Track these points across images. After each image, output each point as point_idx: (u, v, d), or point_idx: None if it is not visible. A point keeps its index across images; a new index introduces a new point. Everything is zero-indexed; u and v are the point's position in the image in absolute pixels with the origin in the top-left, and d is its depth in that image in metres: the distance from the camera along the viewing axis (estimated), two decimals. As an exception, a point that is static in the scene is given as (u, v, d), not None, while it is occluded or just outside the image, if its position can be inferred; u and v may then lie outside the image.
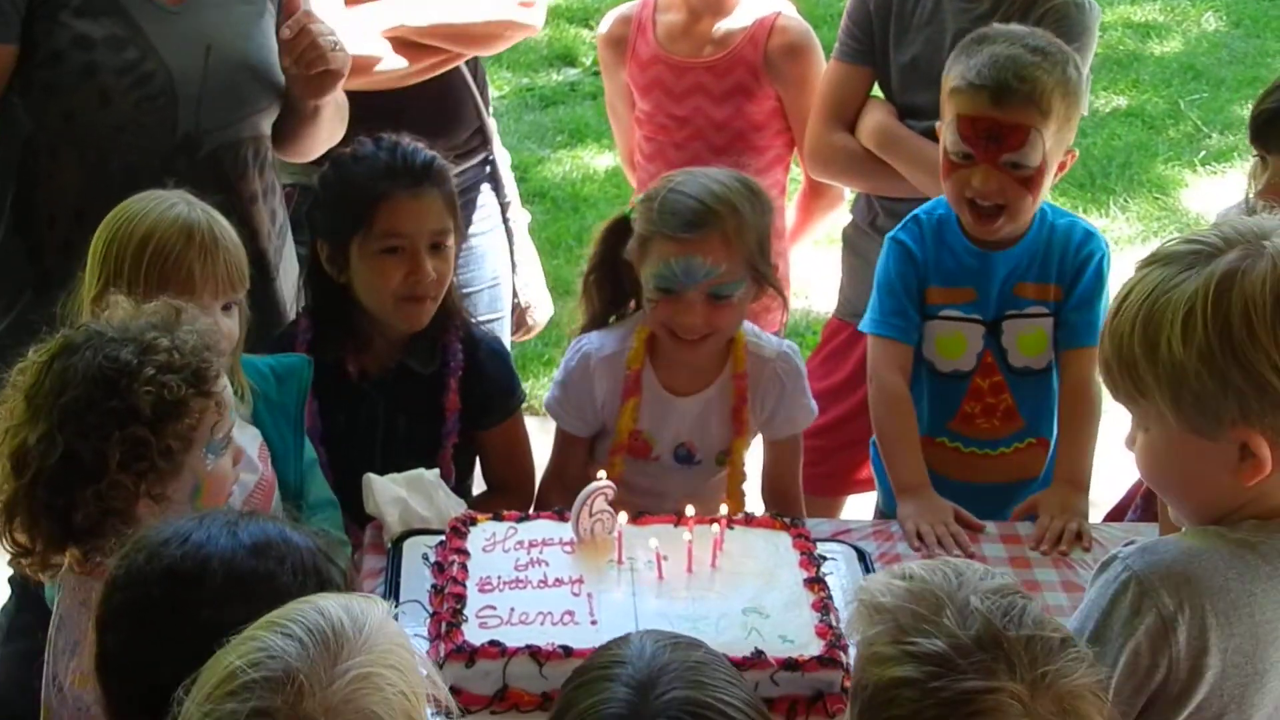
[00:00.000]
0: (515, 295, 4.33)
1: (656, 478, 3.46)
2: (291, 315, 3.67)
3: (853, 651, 2.18)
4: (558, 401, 3.49)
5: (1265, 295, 2.08)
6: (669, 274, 3.24)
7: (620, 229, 3.40)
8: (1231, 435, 2.13)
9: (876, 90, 4.07)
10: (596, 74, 8.54)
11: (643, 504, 3.18)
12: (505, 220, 4.33)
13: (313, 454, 3.28)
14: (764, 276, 3.33)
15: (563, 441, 3.54)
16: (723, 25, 4.16)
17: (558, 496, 3.38)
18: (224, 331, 2.93)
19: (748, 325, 3.45)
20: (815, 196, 4.41)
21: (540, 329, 4.58)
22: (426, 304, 3.35)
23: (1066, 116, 3.31)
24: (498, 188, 4.30)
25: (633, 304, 3.47)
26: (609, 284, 3.47)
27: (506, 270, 4.33)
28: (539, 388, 5.86)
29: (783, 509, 3.36)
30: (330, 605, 1.84)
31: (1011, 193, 3.32)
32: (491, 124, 4.29)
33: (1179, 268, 2.13)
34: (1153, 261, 2.19)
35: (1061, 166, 3.39)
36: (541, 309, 4.48)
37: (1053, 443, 3.54)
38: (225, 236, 3.02)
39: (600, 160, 7.91)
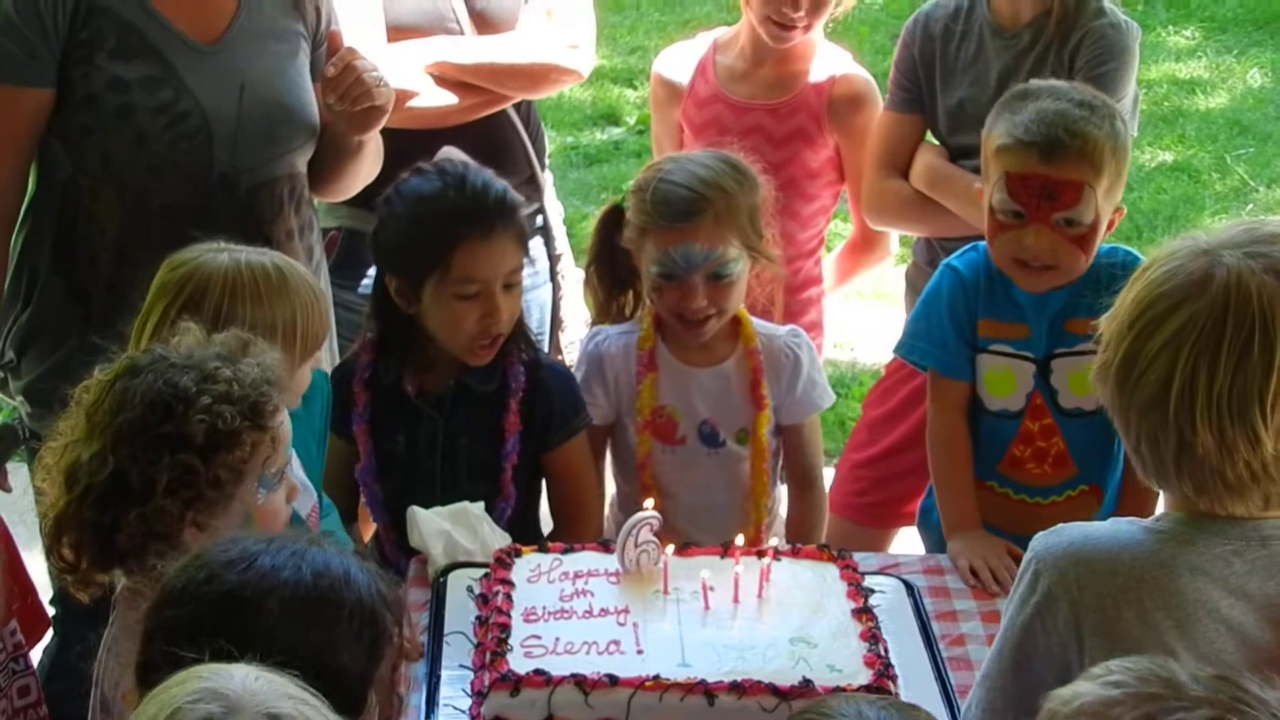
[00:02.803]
0: (560, 353, 4.31)
1: (684, 467, 3.50)
2: (324, 352, 3.67)
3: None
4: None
5: None
6: (669, 262, 3.36)
7: (614, 218, 3.52)
8: None
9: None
10: (640, 133, 8.60)
11: (675, 503, 3.38)
12: (555, 274, 4.32)
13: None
14: (757, 250, 3.44)
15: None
16: (787, 70, 4.17)
17: None
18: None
19: (754, 319, 3.55)
20: (865, 249, 4.40)
21: None
22: (499, 341, 3.36)
23: (1118, 172, 3.24)
24: (549, 241, 4.30)
25: (631, 294, 3.58)
26: (609, 272, 3.58)
27: (549, 326, 4.32)
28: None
29: (806, 490, 3.56)
30: None
31: (1064, 251, 3.25)
32: (546, 177, 4.29)
33: None
34: None
35: (1110, 225, 3.32)
36: None
37: (1106, 492, 3.48)
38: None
39: (644, 216, 7.91)
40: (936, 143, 4.06)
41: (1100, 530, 2.34)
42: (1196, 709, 1.82)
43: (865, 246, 4.39)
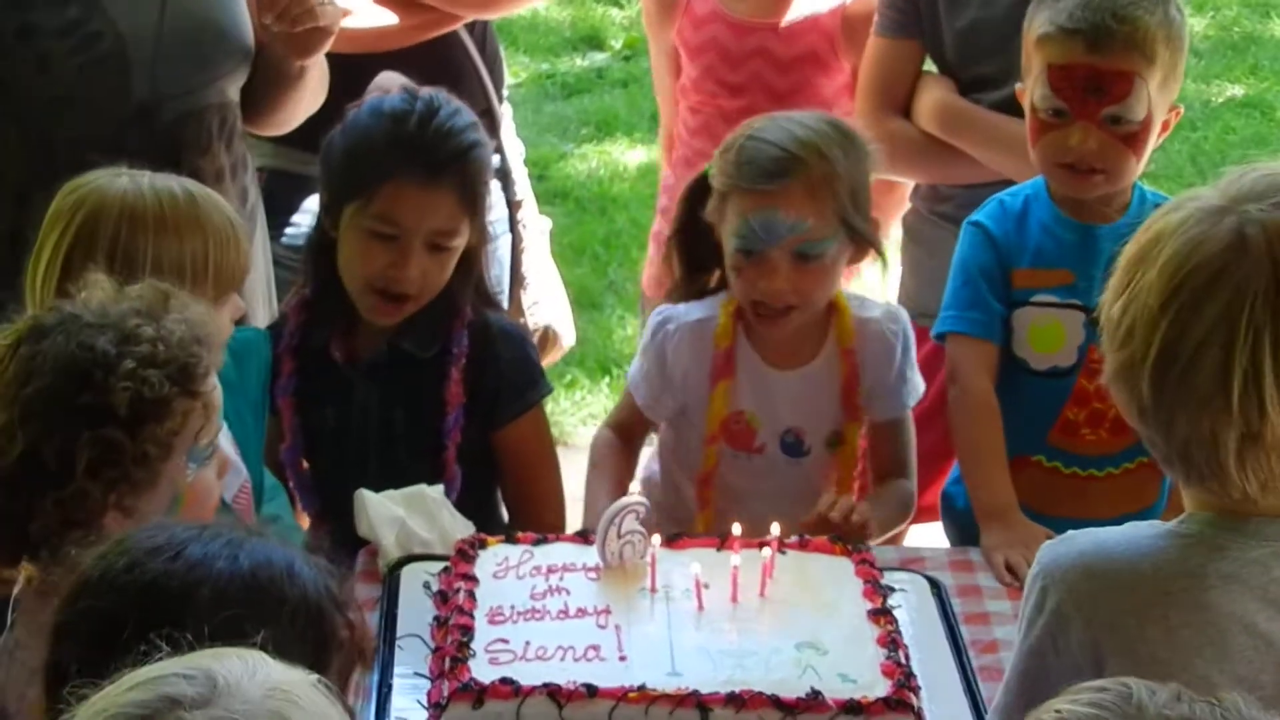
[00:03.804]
0: (522, 315, 4.30)
1: (760, 475, 3.45)
2: (260, 309, 3.68)
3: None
4: (640, 371, 3.49)
5: None
6: (747, 231, 3.25)
7: (701, 187, 3.41)
8: None
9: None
10: (626, 59, 8.60)
11: (740, 510, 3.22)
12: (514, 223, 4.31)
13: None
14: (861, 234, 3.32)
15: (630, 409, 3.55)
16: None
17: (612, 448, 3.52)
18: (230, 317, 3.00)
19: (849, 291, 3.44)
20: (880, 194, 4.39)
21: (565, 351, 4.57)
22: (404, 304, 3.32)
23: (1172, 64, 3.29)
24: (507, 184, 4.29)
25: (716, 275, 3.47)
26: (689, 249, 3.48)
27: (508, 282, 4.31)
28: (558, 413, 5.87)
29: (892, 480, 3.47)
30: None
31: (1112, 153, 3.30)
32: (504, 110, 4.28)
33: None
34: None
35: (1165, 126, 3.36)
36: (564, 327, 4.45)
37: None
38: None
39: (631, 155, 7.93)
40: (937, 73, 4.04)
41: (1115, 537, 2.32)
42: None
43: (879, 193, 4.38)
